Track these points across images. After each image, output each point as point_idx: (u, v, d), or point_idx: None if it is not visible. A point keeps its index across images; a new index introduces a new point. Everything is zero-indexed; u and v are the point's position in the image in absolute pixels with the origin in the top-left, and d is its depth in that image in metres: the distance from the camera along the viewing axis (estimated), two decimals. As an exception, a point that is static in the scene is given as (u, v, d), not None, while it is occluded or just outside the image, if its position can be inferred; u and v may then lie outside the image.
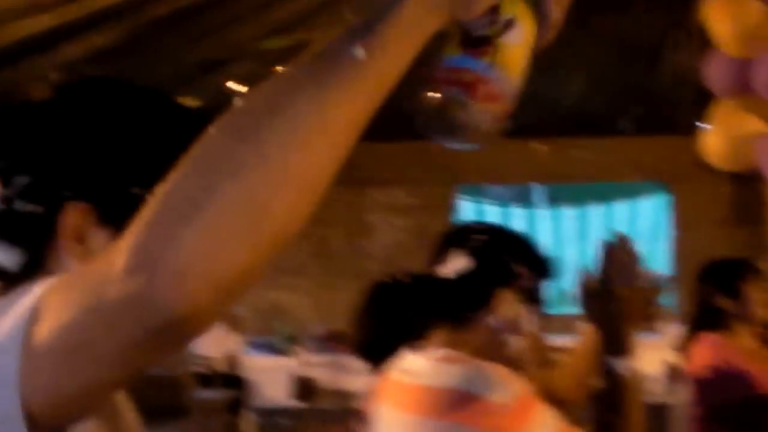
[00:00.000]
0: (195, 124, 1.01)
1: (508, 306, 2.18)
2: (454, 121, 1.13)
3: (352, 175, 9.76)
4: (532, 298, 2.23)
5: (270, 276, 9.08)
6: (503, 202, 13.37)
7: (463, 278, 2.18)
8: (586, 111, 10.41)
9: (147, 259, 0.88)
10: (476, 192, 12.95)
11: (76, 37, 7.33)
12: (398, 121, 8.45)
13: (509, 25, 1.11)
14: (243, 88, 8.77)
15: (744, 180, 4.78)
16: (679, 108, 9.35)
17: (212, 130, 0.93)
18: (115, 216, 1.15)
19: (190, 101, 9.29)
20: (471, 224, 2.41)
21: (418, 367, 2.15)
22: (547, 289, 2.31)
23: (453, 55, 1.11)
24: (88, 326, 0.91)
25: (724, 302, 3.74)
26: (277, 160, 0.92)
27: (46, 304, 0.95)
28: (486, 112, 1.12)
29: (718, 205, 11.09)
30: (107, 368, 0.94)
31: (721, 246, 8.64)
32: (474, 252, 2.20)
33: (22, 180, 1.18)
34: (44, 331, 0.94)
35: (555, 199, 13.38)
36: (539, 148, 11.33)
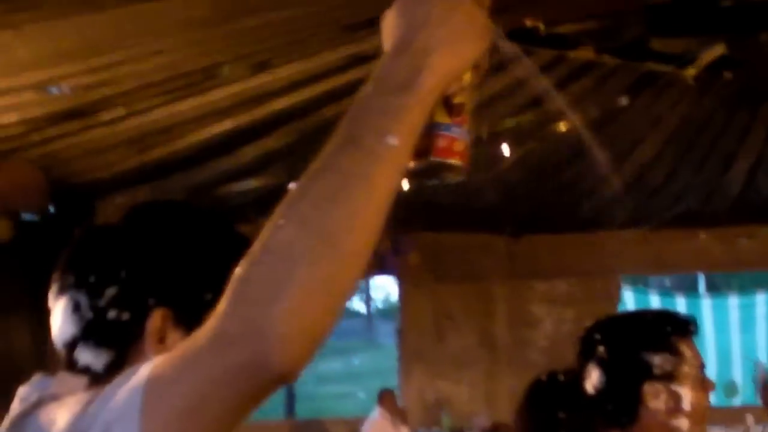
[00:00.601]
0: (242, 240, 1.36)
1: (659, 397, 2.22)
2: (444, 179, 1.35)
3: (516, 268, 9.92)
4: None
5: (435, 368, 9.26)
6: (667, 291, 13.26)
7: (603, 392, 2.24)
8: (752, 198, 10.33)
9: (252, 330, 1.11)
10: (640, 282, 12.89)
11: (252, 140, 7.71)
12: (563, 213, 8.59)
13: (474, 89, 1.32)
14: (407, 185, 9.04)
15: None
16: None
17: (279, 220, 1.15)
18: (190, 317, 1.37)
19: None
20: (592, 331, 2.42)
21: None
22: (714, 380, 2.33)
23: (443, 123, 1.31)
24: (203, 391, 1.12)
25: None
26: (340, 243, 1.14)
27: (156, 378, 1.15)
28: (465, 169, 1.34)
29: None
30: (219, 425, 1.15)
31: None
32: (603, 363, 2.25)
33: (111, 291, 1.41)
34: (161, 399, 1.14)
35: (720, 288, 13.20)
36: (704, 236, 11.25)
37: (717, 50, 6.82)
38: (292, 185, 1.19)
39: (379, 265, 11.02)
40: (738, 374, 12.46)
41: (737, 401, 11.62)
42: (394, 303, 15.35)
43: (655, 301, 13.18)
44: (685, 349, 2.29)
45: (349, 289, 1.18)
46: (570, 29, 6.30)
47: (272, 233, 1.15)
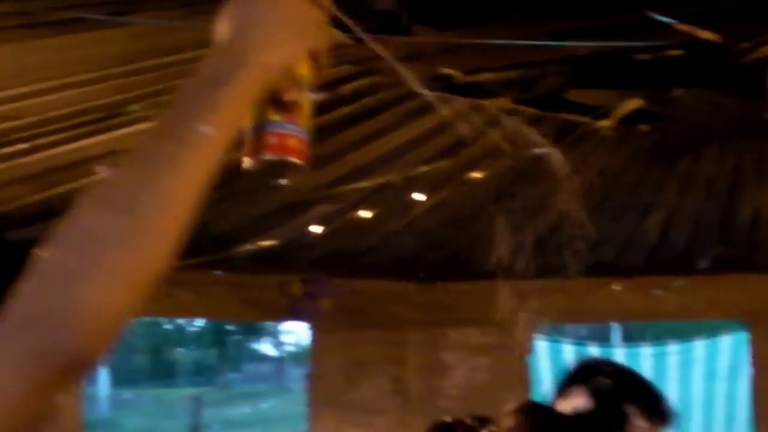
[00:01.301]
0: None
1: None
2: (280, 178, 1.32)
3: (429, 315, 9.85)
4: None
5: (346, 414, 9.15)
6: (580, 340, 13.30)
7: (579, 417, 2.19)
8: (666, 250, 10.41)
9: (48, 314, 1.07)
10: (553, 331, 12.91)
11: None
12: (478, 261, 8.52)
13: (310, 88, 1.29)
14: (320, 230, 8.95)
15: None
16: (758, 246, 9.34)
17: (86, 203, 1.16)
18: None
19: (269, 242, 9.45)
20: (600, 363, 2.41)
21: None
22: None
23: (274, 120, 1.28)
24: None
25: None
26: (146, 229, 1.14)
27: None
28: (303, 167, 1.29)
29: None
30: (10, 413, 1.07)
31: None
32: (596, 394, 2.21)
33: None
34: None
35: (632, 338, 13.28)
36: (619, 286, 11.30)
37: (633, 103, 6.83)
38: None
39: (291, 310, 10.91)
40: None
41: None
42: (305, 347, 15.19)
43: (568, 351, 13.20)
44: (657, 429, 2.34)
45: (152, 277, 1.16)
46: (487, 78, 6.25)
47: (77, 215, 1.14)
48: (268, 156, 1.28)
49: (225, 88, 1.21)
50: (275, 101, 1.28)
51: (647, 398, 2.26)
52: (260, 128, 1.28)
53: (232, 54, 1.24)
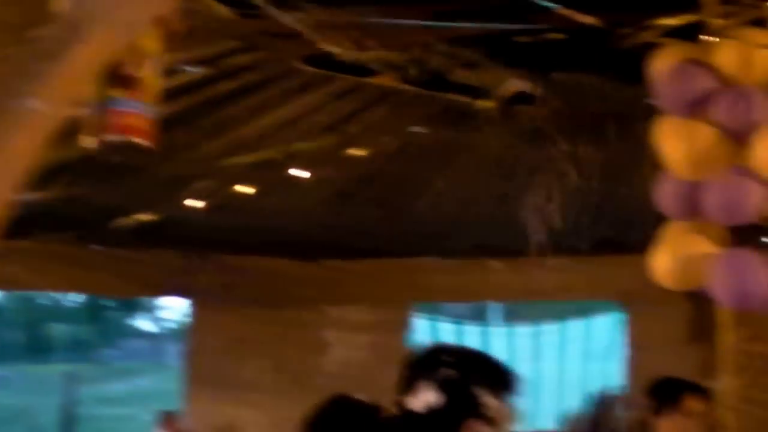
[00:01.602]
0: None
1: None
2: (127, 154, 1.28)
3: (309, 293, 9.78)
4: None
5: (224, 391, 9.05)
6: (458, 319, 13.41)
7: (432, 413, 2.19)
8: (544, 231, 10.51)
9: None
10: (432, 310, 12.98)
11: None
12: (358, 240, 8.50)
13: (158, 61, 1.23)
14: (201, 205, 8.83)
15: (699, 299, 4.86)
16: (635, 229, 9.49)
17: None
18: None
19: (148, 217, 9.29)
20: (439, 350, 2.40)
21: None
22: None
23: (116, 98, 1.22)
24: None
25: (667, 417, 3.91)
26: None
27: None
28: (146, 146, 1.25)
29: (672, 324, 11.16)
30: None
31: (675, 365, 8.69)
32: (443, 385, 2.20)
33: None
34: None
35: (510, 317, 13.44)
36: (496, 266, 11.42)
37: (516, 85, 6.87)
38: None
39: (170, 285, 10.76)
40: (526, 401, 12.71)
41: (522, 427, 11.84)
42: (184, 324, 15.03)
43: (447, 329, 13.29)
44: (508, 401, 2.35)
45: None
46: (371, 57, 6.22)
47: None
48: (109, 136, 1.21)
49: (56, 61, 1.15)
50: (117, 77, 1.20)
51: (493, 375, 2.27)
52: (102, 106, 1.21)
53: (68, 26, 1.18)
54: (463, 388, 2.20)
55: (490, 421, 2.20)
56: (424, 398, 2.19)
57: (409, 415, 2.20)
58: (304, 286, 11.19)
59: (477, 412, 2.19)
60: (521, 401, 2.44)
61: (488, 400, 2.21)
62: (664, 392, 3.99)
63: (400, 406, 2.25)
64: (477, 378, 2.24)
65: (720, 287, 4.51)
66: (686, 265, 4.70)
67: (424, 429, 2.20)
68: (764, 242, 4.84)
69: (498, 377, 2.29)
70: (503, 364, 2.39)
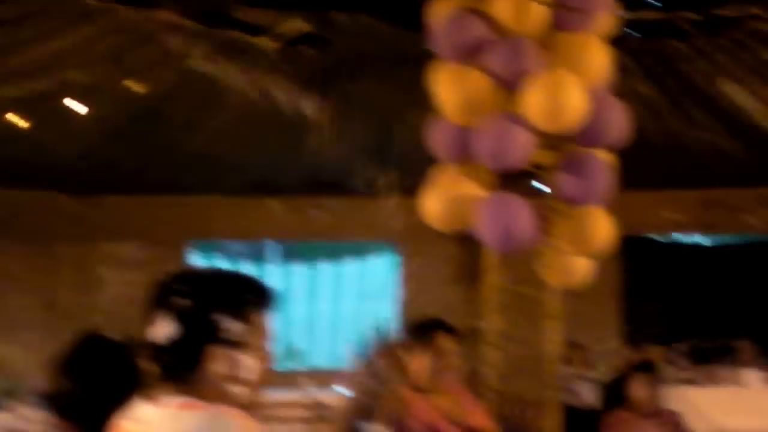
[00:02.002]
0: None
1: (220, 361, 2.18)
2: None
3: (83, 229, 9.53)
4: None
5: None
6: (235, 258, 13.37)
7: (172, 343, 2.17)
8: (322, 172, 10.61)
9: None
10: (208, 247, 12.91)
11: None
12: (134, 175, 8.30)
13: None
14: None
15: (469, 242, 5.02)
16: (411, 171, 9.68)
17: None
18: None
19: None
20: (176, 279, 2.35)
21: (151, 416, 2.15)
22: (275, 345, 2.34)
23: None
24: None
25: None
26: None
27: None
28: None
29: (443, 265, 11.48)
30: None
31: (447, 305, 8.95)
32: (179, 315, 2.19)
33: None
34: None
35: (287, 256, 13.48)
36: (274, 205, 11.45)
37: (297, 25, 6.87)
38: None
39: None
40: (300, 339, 12.83)
41: (297, 365, 11.97)
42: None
43: (224, 267, 13.24)
44: (257, 320, 2.28)
45: None
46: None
47: None
48: None
49: None
50: None
51: (235, 297, 2.26)
52: None
53: None
54: (199, 315, 2.18)
55: (235, 344, 2.19)
56: (163, 329, 2.17)
57: (151, 347, 2.19)
58: (77, 222, 10.94)
59: (217, 337, 2.18)
60: (276, 316, 2.41)
61: (230, 324, 2.19)
62: (417, 331, 4.18)
63: (145, 339, 2.23)
64: (215, 303, 2.21)
65: (486, 230, 4.68)
66: (455, 207, 4.85)
67: (165, 360, 2.18)
68: (531, 187, 5.04)
69: (242, 299, 2.26)
70: (254, 282, 2.36)
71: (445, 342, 4.18)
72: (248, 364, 2.23)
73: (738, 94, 9.50)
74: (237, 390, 2.22)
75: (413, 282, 12.06)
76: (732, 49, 7.85)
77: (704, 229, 13.78)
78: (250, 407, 2.20)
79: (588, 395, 9.69)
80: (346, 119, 9.28)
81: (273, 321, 2.32)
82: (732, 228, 12.32)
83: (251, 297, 2.27)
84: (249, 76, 7.98)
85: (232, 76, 7.98)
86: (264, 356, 2.26)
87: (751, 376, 9.23)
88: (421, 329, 4.30)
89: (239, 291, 2.27)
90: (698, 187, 11.43)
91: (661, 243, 12.44)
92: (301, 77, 8.16)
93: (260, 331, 2.27)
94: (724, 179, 11.26)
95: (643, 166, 10.75)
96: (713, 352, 10.13)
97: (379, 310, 12.51)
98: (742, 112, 9.83)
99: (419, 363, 4.16)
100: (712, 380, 9.49)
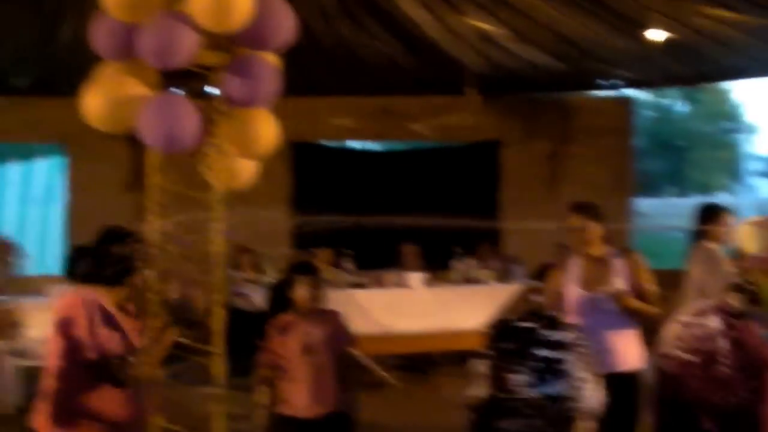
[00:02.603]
0: None
1: None
2: None
3: None
4: None
5: None
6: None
7: None
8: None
9: None
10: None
11: None
12: None
13: None
14: None
15: (136, 143, 4.88)
16: (76, 70, 9.34)
17: None
18: None
19: None
20: None
21: None
22: None
23: None
24: None
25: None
26: None
27: None
28: None
29: (113, 168, 11.18)
30: None
31: (116, 209, 8.77)
32: None
33: None
34: None
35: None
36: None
37: None
38: None
39: None
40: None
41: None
42: None
43: None
44: None
45: None
46: None
47: None
48: None
49: None
50: None
51: None
52: None
53: None
54: None
55: None
56: None
57: None
58: None
59: None
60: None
61: None
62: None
63: None
64: None
65: (149, 130, 4.56)
66: (118, 107, 4.69)
67: None
68: (197, 88, 4.95)
69: None
70: None
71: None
72: None
73: (410, 7, 9.75)
74: None
75: (80, 186, 11.72)
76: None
77: (375, 136, 14.16)
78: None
79: (257, 299, 9.81)
80: (7, 11, 8.83)
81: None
82: (401, 135, 12.70)
83: None
84: None
85: None
86: None
87: (414, 278, 9.58)
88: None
89: None
90: (370, 94, 11.66)
91: (331, 149, 12.66)
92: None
93: None
94: (395, 88, 11.55)
95: (316, 73, 10.88)
96: (380, 255, 10.45)
97: (44, 215, 12.15)
98: (413, 23, 10.09)
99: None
100: (378, 283, 9.79)
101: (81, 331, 3.90)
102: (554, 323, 1.72)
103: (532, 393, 1.55)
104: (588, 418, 1.48)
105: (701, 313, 2.94)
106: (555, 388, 1.54)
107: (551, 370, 1.62)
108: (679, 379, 2.87)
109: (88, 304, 3.97)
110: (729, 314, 2.89)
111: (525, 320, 1.67)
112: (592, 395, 1.53)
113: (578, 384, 1.54)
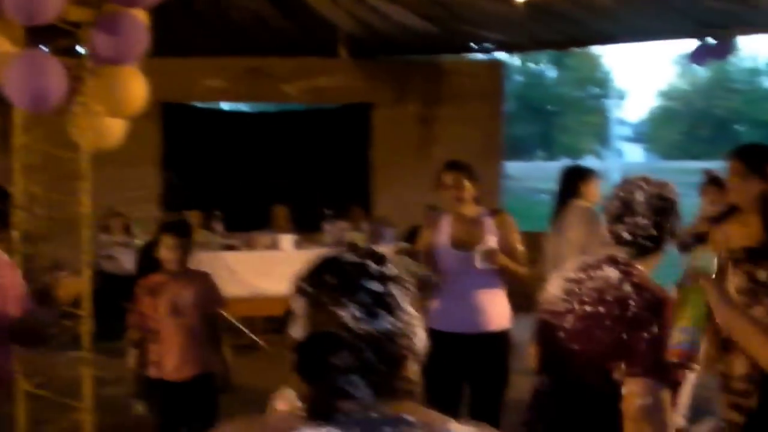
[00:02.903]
0: None
1: None
2: None
3: None
4: None
5: None
6: None
7: None
8: None
9: None
10: None
11: None
12: None
13: None
14: None
15: (3, 103, 4.74)
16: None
17: None
18: None
19: None
20: None
21: None
22: None
23: None
24: None
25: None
26: None
27: None
28: None
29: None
30: None
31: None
32: None
33: None
34: None
35: None
36: None
37: None
38: None
39: None
40: None
41: None
42: None
43: None
44: None
45: None
46: None
47: None
48: None
49: None
50: None
51: None
52: None
53: None
54: None
55: None
56: None
57: None
58: None
59: None
60: None
61: None
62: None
63: None
64: None
65: (15, 88, 4.46)
66: (-19, 63, 4.57)
67: None
68: (63, 45, 4.86)
69: None
70: None
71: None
72: None
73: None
74: None
75: None
76: None
77: (246, 97, 14.04)
78: None
79: (127, 262, 9.68)
80: None
81: None
82: (273, 97, 12.63)
83: None
84: None
85: None
86: None
87: (286, 240, 9.56)
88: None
89: None
90: (241, 55, 11.56)
91: (201, 109, 12.51)
92: None
93: None
94: (267, 49, 11.46)
95: (187, 33, 10.73)
96: (251, 217, 10.41)
97: None
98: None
99: None
100: (249, 245, 9.74)
101: None
102: (379, 258, 1.73)
103: (364, 327, 1.56)
104: (417, 360, 1.50)
105: (593, 266, 3.04)
106: (386, 322, 1.56)
107: (382, 304, 1.63)
108: (576, 333, 2.97)
109: None
110: (622, 264, 3.00)
111: (349, 254, 1.69)
112: (421, 335, 1.56)
113: (410, 320, 1.58)
